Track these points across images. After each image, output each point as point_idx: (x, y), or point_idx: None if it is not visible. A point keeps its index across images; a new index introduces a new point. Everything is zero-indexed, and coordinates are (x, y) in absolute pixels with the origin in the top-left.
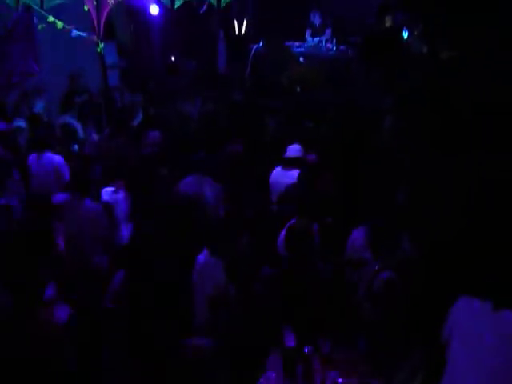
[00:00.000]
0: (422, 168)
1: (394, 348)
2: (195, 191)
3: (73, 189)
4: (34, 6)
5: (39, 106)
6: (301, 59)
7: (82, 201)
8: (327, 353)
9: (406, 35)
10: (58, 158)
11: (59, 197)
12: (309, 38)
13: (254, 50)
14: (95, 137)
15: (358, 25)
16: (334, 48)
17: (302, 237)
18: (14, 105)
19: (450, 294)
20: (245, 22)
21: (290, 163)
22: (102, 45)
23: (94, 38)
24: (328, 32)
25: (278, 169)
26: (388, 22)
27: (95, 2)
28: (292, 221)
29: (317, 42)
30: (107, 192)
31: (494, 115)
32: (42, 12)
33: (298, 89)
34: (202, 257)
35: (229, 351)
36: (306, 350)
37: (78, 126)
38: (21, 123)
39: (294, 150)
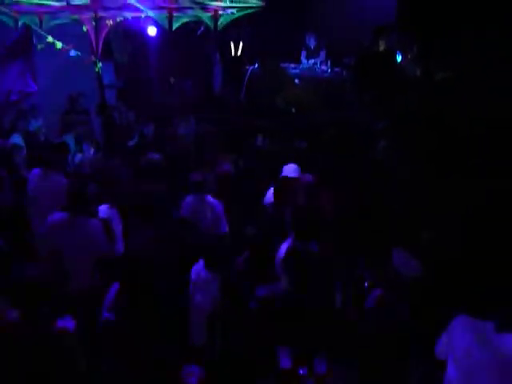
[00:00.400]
0: (420, 184)
1: (389, 365)
2: (195, 210)
3: (70, 207)
4: (33, 27)
5: (34, 125)
6: (296, 81)
7: (80, 218)
8: (323, 373)
9: (399, 58)
10: (61, 178)
11: (58, 215)
12: (304, 60)
13: (249, 71)
14: (90, 155)
15: (352, 47)
16: (329, 70)
17: (303, 259)
18: (10, 123)
19: (448, 311)
20: (241, 44)
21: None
22: (99, 64)
23: (92, 57)
24: (323, 54)
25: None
26: (382, 45)
27: (94, 23)
28: (289, 241)
29: (312, 63)
30: (103, 209)
31: (490, 131)
32: (42, 32)
33: (294, 110)
34: (199, 269)
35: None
36: (301, 372)
37: (72, 144)
38: (17, 140)
39: (290, 170)
